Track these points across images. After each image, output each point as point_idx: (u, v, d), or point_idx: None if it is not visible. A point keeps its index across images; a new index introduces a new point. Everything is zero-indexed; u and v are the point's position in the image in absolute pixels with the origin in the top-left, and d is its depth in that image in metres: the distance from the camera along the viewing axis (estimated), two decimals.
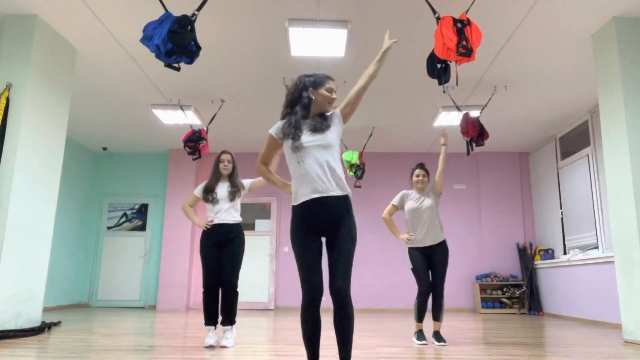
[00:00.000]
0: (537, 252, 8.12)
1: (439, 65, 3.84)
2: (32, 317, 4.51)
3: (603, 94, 4.71)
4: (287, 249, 8.67)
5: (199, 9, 3.64)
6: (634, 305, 4.26)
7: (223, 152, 4.15)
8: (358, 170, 7.55)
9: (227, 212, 3.99)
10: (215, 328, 3.94)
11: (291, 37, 4.79)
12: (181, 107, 6.58)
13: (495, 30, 4.71)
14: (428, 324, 4.46)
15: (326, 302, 2.19)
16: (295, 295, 8.38)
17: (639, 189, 4.28)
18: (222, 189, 4.04)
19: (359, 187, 7.94)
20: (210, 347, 3.76)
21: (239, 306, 4.04)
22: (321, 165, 2.33)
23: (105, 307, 8.46)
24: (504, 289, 8.21)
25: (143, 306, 8.63)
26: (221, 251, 3.95)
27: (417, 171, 4.37)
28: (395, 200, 4.42)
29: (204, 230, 4.02)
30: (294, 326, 5.52)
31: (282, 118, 2.49)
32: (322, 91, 2.46)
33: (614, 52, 4.49)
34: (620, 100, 4.46)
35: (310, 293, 2.28)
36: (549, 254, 7.77)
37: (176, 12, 3.67)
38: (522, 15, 4.47)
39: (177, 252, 8.51)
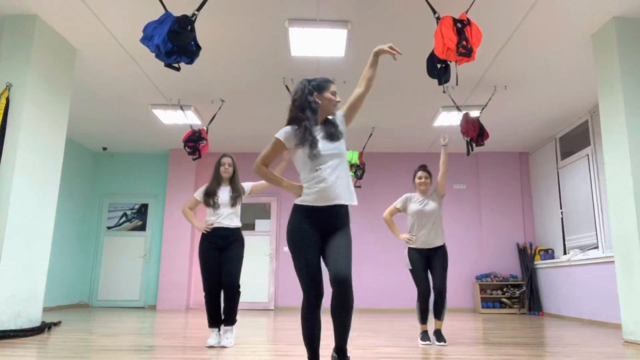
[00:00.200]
0: (537, 252, 8.13)
1: (439, 65, 3.84)
2: (32, 317, 4.51)
3: (603, 94, 4.71)
4: (287, 249, 8.66)
5: (199, 9, 3.64)
6: (634, 305, 4.26)
7: (224, 155, 4.14)
8: (358, 170, 7.56)
9: (228, 217, 3.99)
10: (219, 330, 3.94)
11: (291, 37, 4.79)
12: (181, 107, 6.58)
13: (495, 30, 4.71)
14: (430, 325, 4.45)
15: (325, 302, 2.19)
16: (295, 295, 8.38)
17: (639, 189, 4.28)
18: (224, 194, 4.03)
19: (359, 187, 7.94)
20: (212, 347, 3.76)
21: (239, 306, 4.04)
22: (338, 174, 2.37)
23: (105, 307, 8.46)
24: (504, 289, 8.21)
25: (143, 306, 8.63)
26: (221, 255, 3.95)
27: (420, 173, 4.37)
28: (397, 203, 4.42)
29: (203, 234, 4.01)
30: (294, 326, 5.52)
31: (289, 123, 2.47)
32: (327, 95, 2.48)
33: (614, 52, 4.49)
34: (620, 101, 4.46)
35: (311, 293, 2.29)
36: (549, 254, 7.77)
37: (176, 12, 3.67)
38: (522, 15, 4.47)
39: (177, 252, 8.51)
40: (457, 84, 5.10)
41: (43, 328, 4.63)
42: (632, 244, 4.28)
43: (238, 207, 4.09)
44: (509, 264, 8.49)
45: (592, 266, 6.38)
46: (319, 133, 2.42)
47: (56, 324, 5.14)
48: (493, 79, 5.85)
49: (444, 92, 5.99)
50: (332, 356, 2.37)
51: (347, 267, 2.25)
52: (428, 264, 4.23)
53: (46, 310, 7.07)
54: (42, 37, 4.59)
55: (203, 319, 6.35)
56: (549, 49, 5.10)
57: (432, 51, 3.74)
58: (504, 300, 8.12)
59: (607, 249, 6.24)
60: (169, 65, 3.60)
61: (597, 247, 6.51)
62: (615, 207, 4.53)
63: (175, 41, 3.40)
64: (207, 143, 6.45)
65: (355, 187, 7.94)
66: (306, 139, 2.35)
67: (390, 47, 2.56)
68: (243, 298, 4.04)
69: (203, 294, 3.99)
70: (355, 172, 7.56)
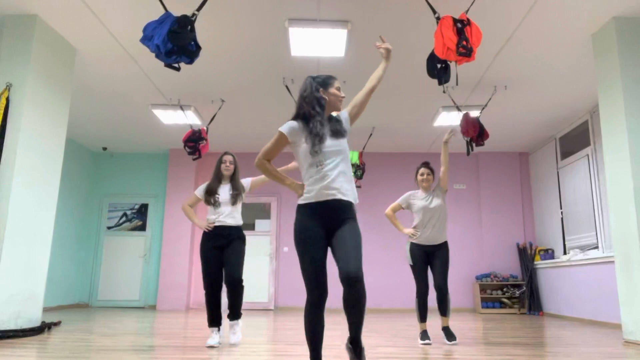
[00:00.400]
0: (537, 252, 8.13)
1: (439, 65, 3.84)
2: (32, 317, 4.51)
3: (603, 94, 4.71)
4: (287, 249, 8.67)
5: (199, 9, 3.65)
6: (634, 305, 4.26)
7: (225, 153, 4.15)
8: (358, 170, 7.56)
9: (229, 216, 3.99)
10: (219, 329, 3.94)
11: (291, 37, 4.79)
12: (181, 107, 6.58)
13: (495, 30, 4.71)
14: (431, 324, 4.45)
15: (329, 302, 2.18)
16: (295, 295, 8.38)
17: (639, 189, 4.28)
18: (224, 192, 4.03)
19: (359, 187, 7.94)
20: (212, 347, 3.76)
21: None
22: (340, 171, 2.37)
23: (105, 307, 8.46)
24: (504, 289, 8.21)
25: (143, 306, 8.63)
26: (222, 252, 3.95)
27: (422, 170, 4.37)
28: (400, 200, 4.43)
29: (204, 233, 4.01)
30: (294, 326, 5.52)
31: (295, 118, 2.47)
32: (333, 90, 2.49)
33: (614, 52, 4.49)
34: (620, 100, 4.46)
35: (315, 293, 2.28)
36: (549, 254, 7.77)
37: (176, 12, 3.68)
38: (522, 15, 4.47)
39: (177, 252, 8.51)
40: (457, 84, 5.11)
41: (43, 328, 4.63)
42: (632, 244, 4.27)
43: (239, 205, 4.08)
44: (509, 264, 8.49)
45: (592, 266, 6.38)
46: (326, 130, 2.42)
47: (56, 324, 5.14)
48: (493, 79, 5.85)
49: (444, 92, 5.99)
50: (347, 346, 2.37)
51: (358, 264, 2.24)
52: (429, 261, 4.23)
53: (46, 310, 7.08)
54: (42, 37, 4.59)
55: (203, 318, 6.36)
56: (549, 49, 5.10)
57: (432, 51, 3.74)
58: (504, 300, 8.12)
59: (607, 249, 6.24)
60: (169, 65, 3.60)
61: (597, 247, 6.51)
62: (615, 207, 4.53)
63: (175, 41, 3.40)
64: (207, 143, 6.45)
65: (356, 187, 7.98)
66: (317, 134, 2.35)
67: (387, 50, 2.66)
68: (243, 298, 4.04)
69: (203, 293, 3.99)
70: (355, 172, 7.57)
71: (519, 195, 8.78)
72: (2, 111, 4.31)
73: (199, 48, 3.61)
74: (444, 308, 4.15)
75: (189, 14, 3.59)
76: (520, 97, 6.40)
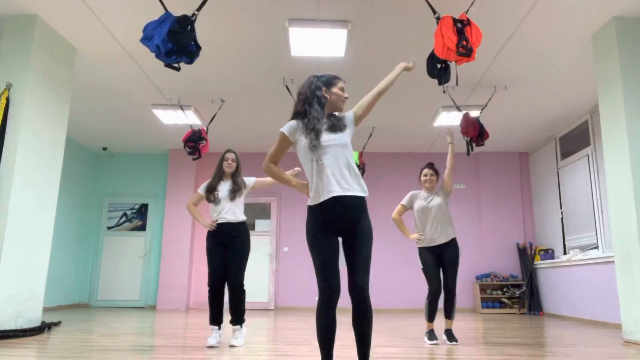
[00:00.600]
0: (537, 252, 8.12)
1: (439, 65, 3.84)
2: (32, 317, 4.51)
3: (603, 94, 4.71)
4: (287, 249, 8.67)
5: (199, 9, 3.65)
6: (634, 305, 4.26)
7: (228, 150, 4.16)
8: (358, 170, 7.56)
9: (229, 212, 3.98)
10: (219, 328, 3.94)
11: (291, 37, 4.79)
12: (181, 107, 6.58)
13: (495, 30, 4.71)
14: (438, 325, 4.44)
15: (341, 302, 2.18)
16: (295, 295, 8.38)
17: (639, 189, 4.28)
18: (224, 188, 4.04)
19: None
20: (212, 347, 3.76)
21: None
22: (341, 164, 2.35)
23: (105, 307, 8.46)
24: (504, 289, 8.21)
25: (143, 306, 8.63)
26: (226, 250, 3.95)
27: (425, 170, 4.37)
28: (404, 201, 4.43)
29: (209, 231, 4.02)
30: (294, 326, 5.52)
31: (294, 117, 2.47)
32: (336, 90, 2.49)
33: (614, 52, 4.49)
34: (620, 100, 4.46)
35: (327, 293, 2.28)
36: (549, 254, 7.77)
37: (176, 12, 3.68)
38: (522, 15, 4.47)
39: (177, 252, 8.51)
40: (457, 84, 5.11)
41: (43, 328, 4.63)
42: (632, 244, 4.27)
43: (239, 201, 4.06)
44: (509, 264, 8.49)
45: (592, 266, 6.38)
46: (322, 126, 2.42)
47: (56, 324, 5.14)
48: (493, 79, 5.85)
49: (444, 92, 5.99)
50: None
51: (364, 278, 2.26)
52: (440, 261, 4.23)
53: (46, 310, 7.07)
54: (42, 37, 4.59)
55: (203, 318, 6.35)
56: (549, 49, 5.10)
57: (432, 51, 3.74)
58: (504, 300, 8.12)
59: (607, 249, 6.24)
60: (169, 65, 3.60)
61: (597, 247, 6.51)
62: (615, 207, 4.53)
63: (175, 41, 3.41)
64: (207, 143, 6.45)
65: None
66: (313, 129, 2.35)
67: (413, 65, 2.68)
68: (245, 303, 4.02)
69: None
70: None
71: (519, 195, 8.78)
72: (2, 111, 4.31)
73: (199, 48, 3.61)
74: (449, 310, 4.15)
75: (189, 14, 3.59)
76: (520, 97, 6.39)
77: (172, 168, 8.86)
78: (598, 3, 4.25)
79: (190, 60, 3.58)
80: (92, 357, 3.28)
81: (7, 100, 4.36)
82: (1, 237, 4.18)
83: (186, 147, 6.35)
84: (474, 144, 5.84)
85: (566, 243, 7.48)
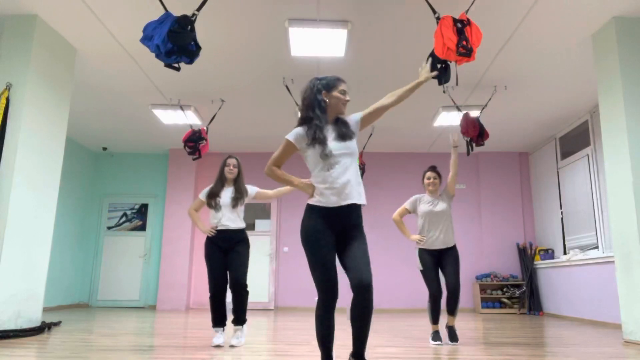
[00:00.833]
0: (537, 252, 8.12)
1: (439, 65, 3.84)
2: (32, 317, 4.51)
3: (603, 94, 4.71)
4: (287, 249, 8.67)
5: (199, 9, 3.65)
6: (634, 305, 4.26)
7: (229, 156, 4.16)
8: (358, 170, 7.55)
9: (229, 219, 3.99)
10: (223, 330, 3.95)
11: (291, 37, 4.79)
12: (181, 107, 6.58)
13: (495, 30, 4.71)
14: (443, 324, 4.42)
15: (339, 302, 2.17)
16: (295, 295, 8.38)
17: (639, 189, 4.28)
18: (226, 195, 4.03)
19: None
20: (218, 346, 3.77)
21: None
22: (350, 174, 2.38)
23: (105, 307, 8.46)
24: (504, 289, 8.21)
25: (143, 306, 8.63)
26: (226, 256, 3.96)
27: (429, 174, 4.36)
28: (407, 204, 4.42)
29: (208, 236, 4.02)
30: (294, 326, 5.52)
31: (300, 124, 2.47)
32: (336, 93, 2.48)
33: (614, 52, 4.49)
34: (620, 100, 4.45)
35: (327, 293, 2.28)
36: (549, 254, 7.77)
37: (176, 12, 3.68)
38: (522, 15, 4.47)
39: (177, 252, 8.51)
40: (457, 84, 5.11)
41: (43, 328, 4.63)
42: (632, 244, 4.27)
43: (240, 208, 4.08)
44: (509, 264, 8.49)
45: (592, 266, 6.38)
46: (330, 133, 2.42)
47: (56, 324, 5.14)
48: (493, 79, 5.85)
49: (444, 92, 5.99)
50: None
51: (369, 273, 2.26)
52: (439, 264, 4.23)
53: (46, 310, 7.07)
54: (42, 37, 4.59)
55: (203, 318, 6.35)
56: (549, 49, 5.10)
57: (432, 51, 3.74)
58: (504, 300, 8.12)
59: (607, 249, 6.24)
60: (169, 65, 3.60)
61: (597, 247, 6.51)
62: (615, 207, 4.53)
63: (175, 41, 3.41)
64: (207, 143, 6.45)
65: None
66: (317, 139, 2.36)
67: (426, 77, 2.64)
68: (247, 303, 4.03)
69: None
70: None
71: (519, 195, 8.78)
72: (2, 111, 4.31)
73: (199, 48, 3.61)
74: (452, 307, 4.15)
75: (189, 14, 3.59)
76: (520, 97, 6.40)
77: (172, 168, 8.86)
78: (598, 3, 4.25)
79: (190, 60, 3.58)
80: (92, 357, 3.28)
81: (7, 100, 4.36)
82: (1, 237, 4.18)
83: (186, 147, 6.35)
84: (474, 144, 5.84)
85: (566, 243, 7.48)
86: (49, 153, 4.77)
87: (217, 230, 3.97)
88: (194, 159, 6.50)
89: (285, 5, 4.38)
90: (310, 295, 8.13)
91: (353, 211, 2.38)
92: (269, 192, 4.14)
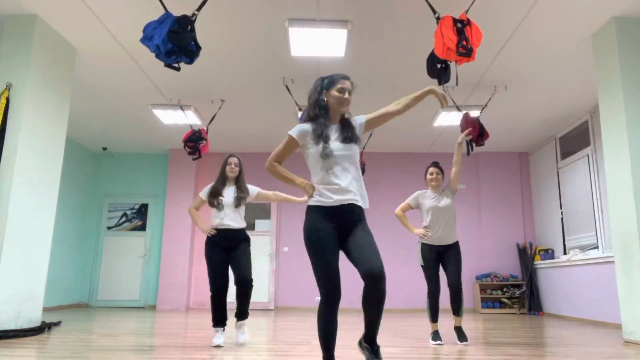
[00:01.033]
0: (537, 252, 8.12)
1: (439, 65, 3.84)
2: (32, 317, 4.51)
3: (603, 94, 4.71)
4: (287, 249, 8.67)
5: (199, 9, 3.65)
6: (634, 305, 4.26)
7: (231, 155, 4.17)
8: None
9: (232, 219, 3.99)
10: (223, 330, 3.95)
11: (291, 37, 4.79)
12: (181, 107, 6.58)
13: (495, 30, 4.71)
14: (444, 324, 4.43)
15: (341, 302, 2.16)
16: (295, 295, 8.38)
17: (639, 189, 4.28)
18: (228, 195, 4.03)
19: None
20: (218, 346, 3.77)
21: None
22: (350, 176, 2.38)
23: (105, 307, 8.46)
24: (504, 289, 8.21)
25: (143, 306, 8.63)
26: (228, 255, 3.96)
27: (431, 169, 4.37)
28: (410, 200, 4.43)
29: (208, 235, 4.03)
30: (294, 326, 5.52)
31: (306, 121, 2.48)
32: (333, 92, 2.47)
33: (614, 52, 4.49)
34: (620, 101, 4.45)
35: (330, 293, 2.28)
36: (549, 254, 7.77)
37: (176, 12, 3.68)
38: (522, 15, 4.47)
39: (177, 252, 8.51)
40: (457, 84, 5.11)
41: (43, 328, 4.62)
42: (632, 244, 4.27)
43: (242, 208, 4.09)
44: (509, 264, 8.49)
45: (592, 266, 6.38)
46: (333, 133, 2.42)
47: (56, 324, 5.14)
48: (493, 79, 5.85)
49: (444, 92, 5.99)
50: (362, 346, 2.34)
51: (380, 261, 2.24)
52: (440, 261, 4.23)
53: (46, 310, 7.07)
54: (42, 37, 4.59)
55: (203, 318, 6.35)
56: (549, 49, 5.10)
57: (432, 51, 3.74)
58: (504, 300, 8.12)
59: (607, 249, 6.24)
60: (169, 65, 3.60)
61: (597, 247, 6.51)
62: (615, 207, 4.53)
63: (175, 41, 3.41)
64: (207, 143, 6.45)
65: None
66: (319, 136, 2.36)
67: (443, 96, 2.52)
68: (251, 298, 4.05)
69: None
70: None
71: (519, 195, 8.78)
72: (2, 111, 4.31)
73: (199, 48, 3.61)
74: (457, 307, 4.16)
75: (189, 14, 3.59)
76: (520, 97, 6.39)
77: (172, 168, 8.86)
78: (598, 3, 4.25)
79: (190, 60, 3.58)
80: (92, 357, 3.28)
81: (7, 100, 4.36)
82: (1, 237, 4.18)
83: (186, 147, 6.35)
84: (474, 144, 5.84)
85: (566, 243, 7.48)
86: (49, 153, 4.77)
87: (219, 230, 3.97)
88: (194, 159, 6.50)
89: (285, 5, 4.39)
90: (311, 295, 8.13)
91: (353, 210, 2.38)
92: (270, 194, 4.15)
